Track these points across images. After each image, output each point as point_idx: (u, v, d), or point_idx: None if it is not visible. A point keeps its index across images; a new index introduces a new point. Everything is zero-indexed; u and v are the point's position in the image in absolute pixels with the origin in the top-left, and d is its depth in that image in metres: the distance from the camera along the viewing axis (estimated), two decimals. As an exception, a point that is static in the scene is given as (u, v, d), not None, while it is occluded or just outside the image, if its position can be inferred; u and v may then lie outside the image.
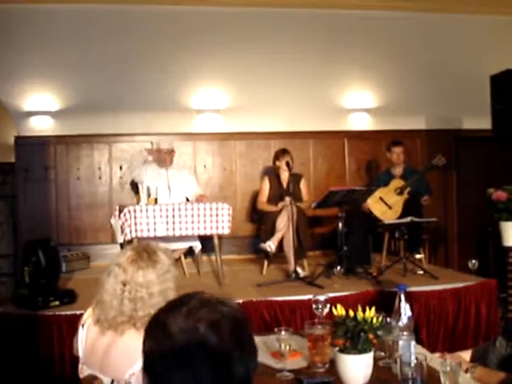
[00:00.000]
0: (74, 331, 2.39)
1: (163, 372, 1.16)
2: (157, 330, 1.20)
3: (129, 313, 2.18)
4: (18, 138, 7.04)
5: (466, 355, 2.85)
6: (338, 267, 5.31)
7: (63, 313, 4.35)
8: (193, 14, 7.30)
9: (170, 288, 2.25)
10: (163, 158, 6.20)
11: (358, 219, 6.28)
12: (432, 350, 3.14)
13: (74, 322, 2.45)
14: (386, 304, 2.65)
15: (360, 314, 2.26)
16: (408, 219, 5.72)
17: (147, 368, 1.20)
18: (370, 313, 2.28)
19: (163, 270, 2.25)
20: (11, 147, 7.14)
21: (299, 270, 5.60)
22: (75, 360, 2.36)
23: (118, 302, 2.20)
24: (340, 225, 5.55)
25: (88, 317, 2.34)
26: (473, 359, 2.81)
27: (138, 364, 1.98)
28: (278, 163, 6.22)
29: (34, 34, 6.95)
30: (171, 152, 6.27)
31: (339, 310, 2.34)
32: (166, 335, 1.17)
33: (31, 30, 6.95)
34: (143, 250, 2.27)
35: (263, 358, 2.56)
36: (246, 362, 1.18)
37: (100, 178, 7.21)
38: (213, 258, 5.95)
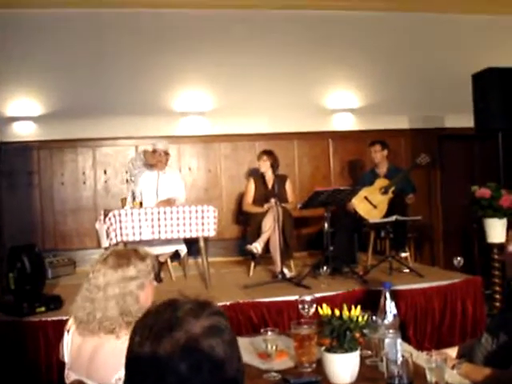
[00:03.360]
0: (60, 337, 2.37)
1: None
2: (128, 357, 1.17)
3: (90, 314, 2.18)
4: (0, 144, 6.97)
5: (453, 352, 2.87)
6: (325, 267, 5.31)
7: (49, 319, 4.32)
8: (176, 16, 7.30)
9: (131, 297, 2.21)
10: (158, 159, 6.03)
11: (344, 219, 6.29)
12: (419, 347, 3.17)
13: (60, 328, 2.42)
14: (373, 303, 2.67)
15: (346, 313, 2.27)
16: (393, 218, 5.75)
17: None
18: (356, 311, 2.29)
19: (128, 276, 2.20)
20: (-6, 153, 7.09)
21: (286, 270, 5.62)
22: (62, 366, 2.35)
23: (85, 304, 2.22)
24: (326, 225, 5.56)
25: (73, 322, 2.33)
26: (459, 356, 2.83)
27: (124, 368, 1.97)
28: (258, 164, 6.23)
29: (15, 40, 6.90)
30: (166, 154, 6.16)
31: (325, 310, 2.35)
32: (134, 364, 1.14)
33: (13, 35, 6.91)
34: (116, 252, 2.28)
35: (250, 359, 2.56)
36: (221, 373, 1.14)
37: (84, 182, 7.18)
38: (199, 260, 5.94)
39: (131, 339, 1.18)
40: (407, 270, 5.73)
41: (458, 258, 5.19)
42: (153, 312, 1.20)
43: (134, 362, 1.14)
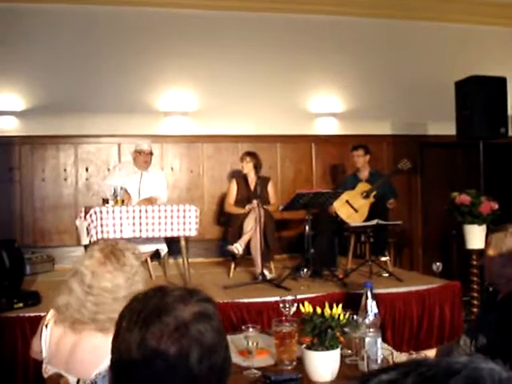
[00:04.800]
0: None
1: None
2: (115, 342, 1.16)
3: (90, 315, 2.12)
4: (-19, 139, 6.92)
5: (431, 354, 2.89)
6: (305, 270, 5.31)
7: (27, 315, 4.28)
8: (162, 15, 7.28)
9: (138, 290, 2.19)
10: (144, 159, 6.09)
11: (325, 222, 6.31)
12: (397, 351, 3.17)
13: (37, 324, 2.40)
14: (352, 305, 2.68)
15: (327, 311, 2.28)
16: (374, 222, 5.78)
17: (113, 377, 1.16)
18: (337, 310, 2.30)
19: (131, 273, 2.18)
20: (-25, 148, 7.01)
21: (266, 272, 5.62)
22: (39, 362, 2.33)
23: (80, 303, 2.14)
24: (307, 228, 5.57)
25: (51, 317, 2.30)
26: (437, 358, 2.85)
27: (104, 363, 1.97)
28: (241, 165, 6.25)
29: (-1, 34, 6.86)
30: (151, 154, 6.20)
31: (306, 307, 2.36)
32: (122, 349, 1.13)
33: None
34: (110, 252, 2.22)
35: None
36: (209, 360, 1.12)
37: (65, 179, 7.13)
38: (179, 261, 5.93)
39: (118, 325, 1.16)
40: (386, 274, 5.76)
41: (437, 264, 5.24)
42: (141, 298, 1.18)
43: (122, 348, 1.13)
